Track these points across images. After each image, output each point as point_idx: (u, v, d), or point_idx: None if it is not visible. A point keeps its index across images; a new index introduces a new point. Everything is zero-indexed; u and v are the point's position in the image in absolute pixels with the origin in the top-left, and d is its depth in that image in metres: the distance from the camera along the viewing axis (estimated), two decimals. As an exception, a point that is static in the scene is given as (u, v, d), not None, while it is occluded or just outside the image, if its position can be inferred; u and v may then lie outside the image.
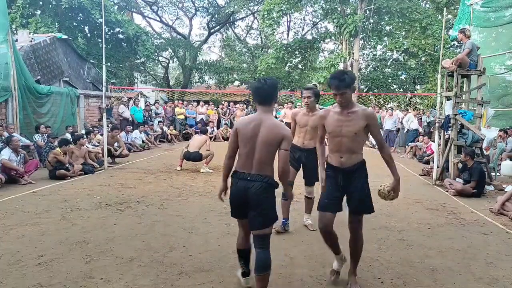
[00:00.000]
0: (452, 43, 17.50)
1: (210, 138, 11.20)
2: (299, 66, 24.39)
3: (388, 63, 23.62)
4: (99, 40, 18.11)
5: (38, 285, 3.08)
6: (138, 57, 21.18)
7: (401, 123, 13.73)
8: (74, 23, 18.38)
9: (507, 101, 12.75)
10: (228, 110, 17.73)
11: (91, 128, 10.96)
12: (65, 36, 13.61)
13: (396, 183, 3.02)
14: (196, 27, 43.10)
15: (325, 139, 3.24)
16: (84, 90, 13.55)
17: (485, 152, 8.26)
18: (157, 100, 19.39)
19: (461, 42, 7.97)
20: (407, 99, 21.09)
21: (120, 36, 19.67)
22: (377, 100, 21.16)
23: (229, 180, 2.93)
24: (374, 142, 14.32)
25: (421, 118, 13.75)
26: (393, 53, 22.13)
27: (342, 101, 2.94)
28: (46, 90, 10.69)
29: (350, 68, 19.48)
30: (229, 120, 17.10)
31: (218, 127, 16.79)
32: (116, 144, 9.84)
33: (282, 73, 24.40)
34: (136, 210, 5.29)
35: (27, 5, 16.21)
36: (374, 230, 4.64)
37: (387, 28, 20.65)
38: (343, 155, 3.01)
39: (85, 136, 9.11)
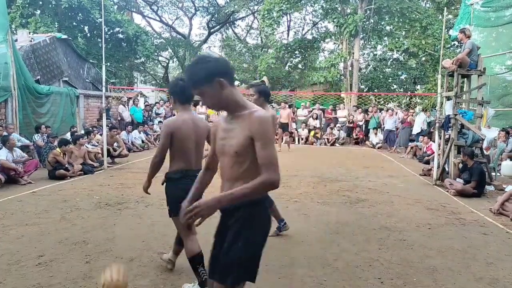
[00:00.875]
0: (452, 43, 17.49)
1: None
2: (299, 66, 24.42)
3: (388, 63, 23.60)
4: (99, 40, 18.10)
5: (37, 285, 3.08)
6: (138, 57, 21.19)
7: (402, 123, 13.71)
8: (74, 23, 18.39)
9: (508, 101, 12.73)
10: (228, 110, 17.68)
11: (90, 128, 10.95)
12: (64, 36, 13.63)
13: (208, 201, 1.83)
14: (196, 27, 43.27)
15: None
16: (84, 90, 13.55)
17: (485, 152, 8.25)
18: (161, 99, 19.35)
19: (462, 42, 7.96)
20: (407, 99, 21.07)
21: (120, 36, 19.67)
22: (377, 100, 21.15)
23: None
24: (374, 142, 14.43)
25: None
26: (393, 53, 22.11)
27: (207, 103, 1.92)
28: (46, 90, 10.69)
29: (350, 68, 19.48)
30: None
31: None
32: (115, 144, 9.83)
33: (282, 73, 24.39)
34: (135, 210, 5.29)
35: (27, 5, 16.23)
36: (374, 230, 4.63)
37: (387, 28, 20.64)
38: (225, 185, 1.98)
39: (85, 136, 9.10)
